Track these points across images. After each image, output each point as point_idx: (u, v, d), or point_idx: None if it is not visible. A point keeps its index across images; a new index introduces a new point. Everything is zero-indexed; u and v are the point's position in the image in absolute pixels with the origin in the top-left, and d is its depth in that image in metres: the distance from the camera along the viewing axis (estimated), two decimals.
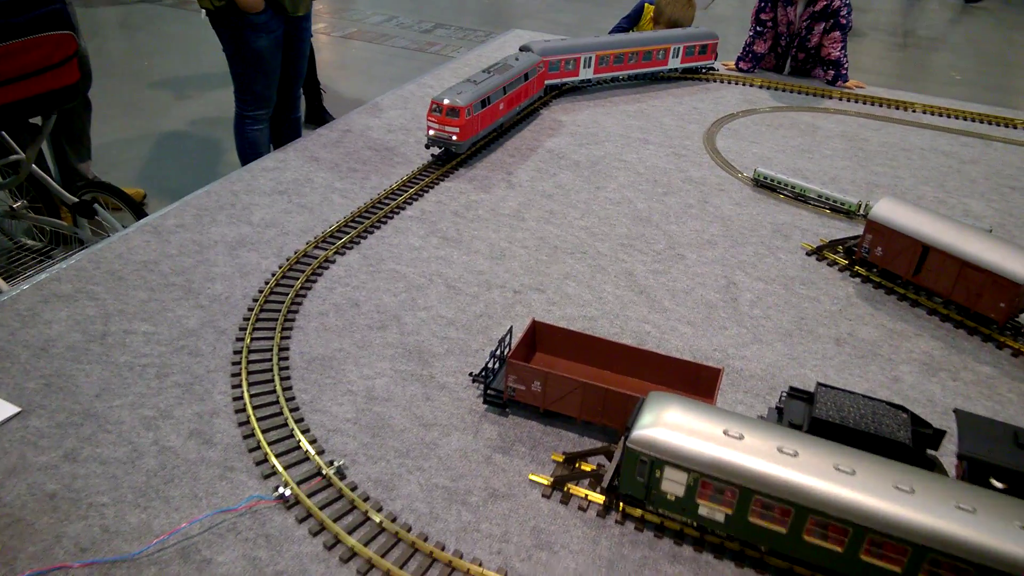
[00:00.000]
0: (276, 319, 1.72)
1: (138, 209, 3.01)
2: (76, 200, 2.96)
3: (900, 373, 1.73)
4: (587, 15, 8.78)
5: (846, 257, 2.12)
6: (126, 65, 6.23)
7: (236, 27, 3.08)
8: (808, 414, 1.32)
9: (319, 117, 4.89)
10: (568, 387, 1.42)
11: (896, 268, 1.98)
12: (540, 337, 1.59)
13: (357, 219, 2.16)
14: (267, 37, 3.14)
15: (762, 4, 3.54)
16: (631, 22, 4.03)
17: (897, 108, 3.37)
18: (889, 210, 1.97)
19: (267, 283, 1.84)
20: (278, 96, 3.43)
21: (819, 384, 1.37)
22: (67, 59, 2.50)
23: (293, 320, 1.75)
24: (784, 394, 1.42)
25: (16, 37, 2.33)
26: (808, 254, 2.18)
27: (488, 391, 1.51)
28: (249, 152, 3.42)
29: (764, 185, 2.53)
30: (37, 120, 2.69)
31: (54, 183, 3.01)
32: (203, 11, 3.14)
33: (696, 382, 1.49)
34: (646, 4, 3.97)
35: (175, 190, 4.23)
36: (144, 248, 1.97)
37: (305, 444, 1.40)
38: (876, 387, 1.67)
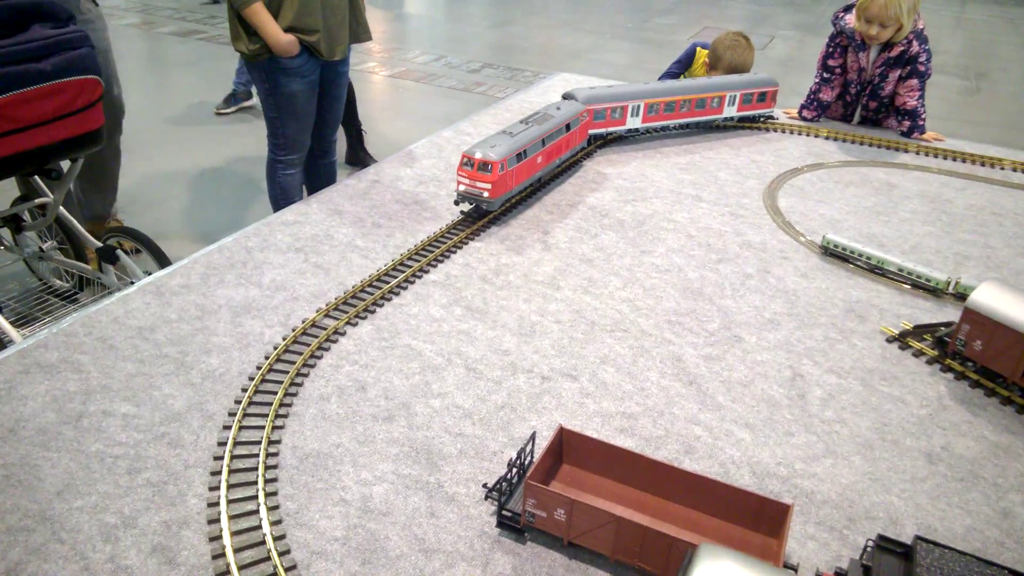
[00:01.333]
0: (271, 403, 1.52)
1: (161, 255, 2.89)
2: (100, 245, 2.87)
3: (1010, 504, 1.41)
4: (638, 56, 8.62)
5: (936, 348, 1.81)
6: (176, 100, 6.31)
7: (270, 71, 2.97)
8: None
9: (360, 159, 4.79)
10: (599, 520, 1.17)
11: (999, 367, 1.67)
12: (568, 447, 1.34)
13: (375, 283, 1.96)
14: (301, 81, 3.02)
15: (830, 49, 3.27)
16: (682, 67, 3.81)
17: (983, 164, 3.04)
18: (991, 298, 1.66)
19: (267, 358, 1.65)
20: (312, 141, 3.31)
21: (918, 539, 1.08)
22: (91, 104, 2.41)
23: (290, 405, 1.54)
24: (871, 544, 1.14)
25: (40, 82, 2.26)
26: (889, 341, 1.88)
27: (503, 512, 1.27)
28: (280, 197, 3.30)
29: (834, 254, 2.24)
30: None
31: (80, 227, 2.94)
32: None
33: (758, 518, 1.22)
34: (698, 48, 3.75)
35: (208, 233, 4.16)
36: (143, 312, 1.81)
37: (282, 573, 1.17)
38: (981, 524, 1.36)
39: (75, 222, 2.90)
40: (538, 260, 2.14)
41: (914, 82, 3.16)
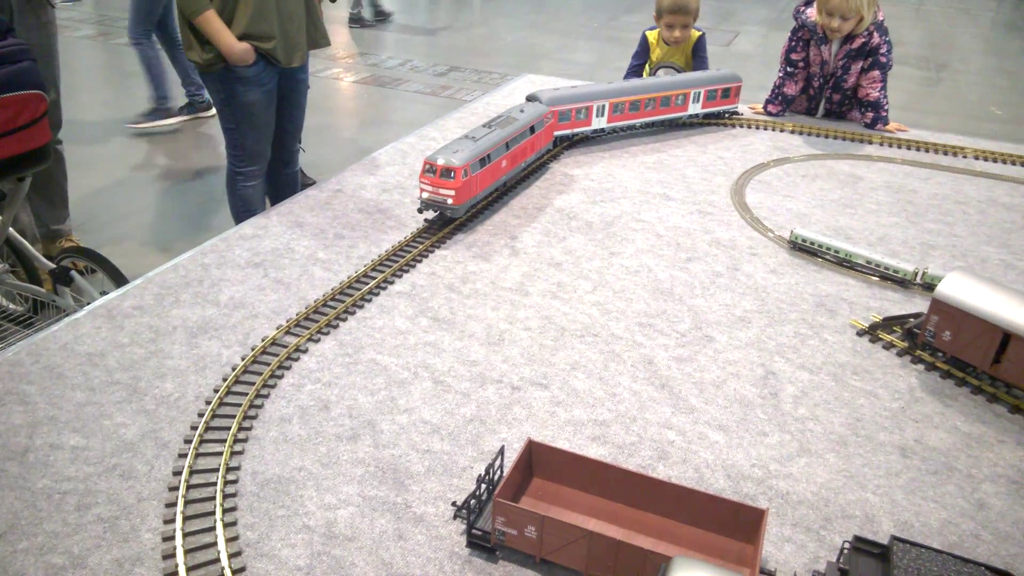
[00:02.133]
0: (230, 428, 1.46)
1: (117, 275, 2.80)
2: (54, 267, 2.77)
3: (985, 495, 1.40)
4: (605, 55, 8.63)
5: (906, 339, 1.81)
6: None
7: (226, 80, 2.90)
8: None
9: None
10: (570, 535, 1.13)
11: (969, 357, 1.66)
12: (538, 459, 1.30)
13: (338, 297, 1.90)
14: (259, 90, 2.95)
15: (793, 43, 3.28)
16: (642, 57, 3.79)
17: (946, 154, 3.06)
18: (959, 288, 1.66)
19: (225, 380, 1.58)
20: (273, 151, 3.24)
21: (894, 539, 1.06)
22: (35, 120, 2.32)
23: (250, 429, 1.48)
24: (848, 546, 1.11)
25: None
26: (859, 334, 1.87)
27: (472, 531, 1.23)
28: (242, 210, 3.22)
29: (802, 248, 2.23)
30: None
31: (31, 248, 2.83)
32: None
33: (734, 524, 1.19)
34: (646, 33, 3.73)
35: (170, 249, 4.05)
36: (92, 336, 1.73)
37: None
38: (957, 516, 1.35)
39: (26, 243, 2.80)
40: (506, 266, 2.10)
41: (876, 73, 3.18)
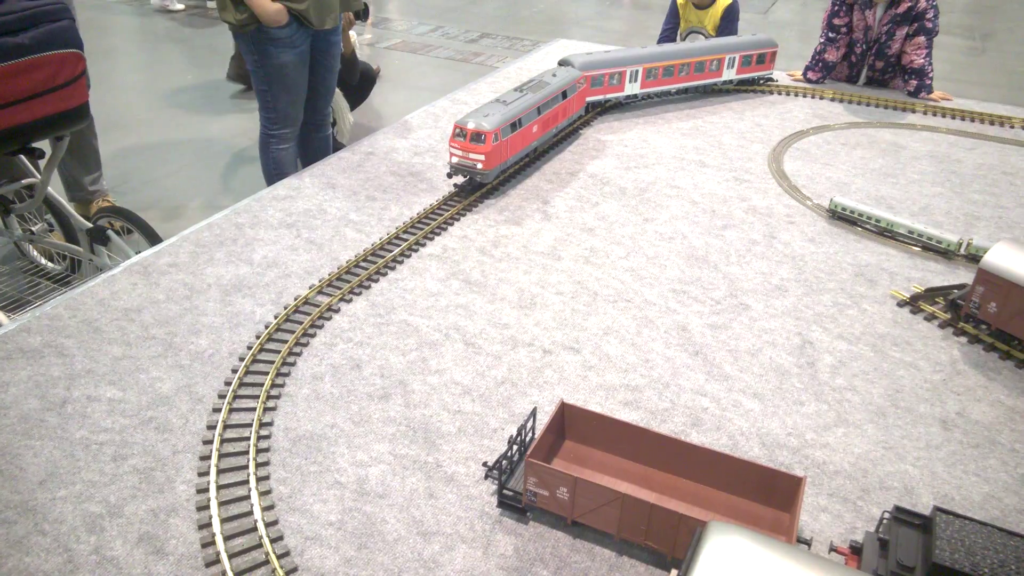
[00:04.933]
0: (263, 384, 1.47)
1: (152, 235, 2.83)
2: (91, 226, 2.81)
3: None
4: (639, 22, 8.44)
5: (949, 311, 1.75)
6: (168, 76, 6.19)
7: (259, 42, 2.87)
8: (925, 554, 0.99)
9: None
10: (603, 497, 1.12)
11: (1015, 330, 1.61)
12: (570, 422, 1.29)
13: (370, 258, 1.90)
14: (291, 52, 2.92)
15: (836, 8, 3.16)
16: (672, 20, 3.71)
17: (992, 123, 2.95)
18: (1007, 258, 1.60)
19: (259, 337, 1.59)
20: (305, 114, 3.22)
21: (937, 509, 1.03)
22: (74, 79, 2.33)
23: (282, 386, 1.49)
24: (887, 516, 1.09)
25: (18, 56, 2.17)
26: (900, 305, 1.82)
27: (504, 491, 1.22)
28: (274, 172, 3.22)
29: (842, 217, 2.17)
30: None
31: (69, 208, 2.87)
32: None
33: (769, 491, 1.17)
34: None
35: (203, 210, 4.08)
36: (129, 292, 1.75)
37: (274, 560, 1.13)
38: (999, 491, 1.32)
39: (64, 203, 2.83)
40: (538, 230, 2.08)
41: (921, 39, 3.05)
